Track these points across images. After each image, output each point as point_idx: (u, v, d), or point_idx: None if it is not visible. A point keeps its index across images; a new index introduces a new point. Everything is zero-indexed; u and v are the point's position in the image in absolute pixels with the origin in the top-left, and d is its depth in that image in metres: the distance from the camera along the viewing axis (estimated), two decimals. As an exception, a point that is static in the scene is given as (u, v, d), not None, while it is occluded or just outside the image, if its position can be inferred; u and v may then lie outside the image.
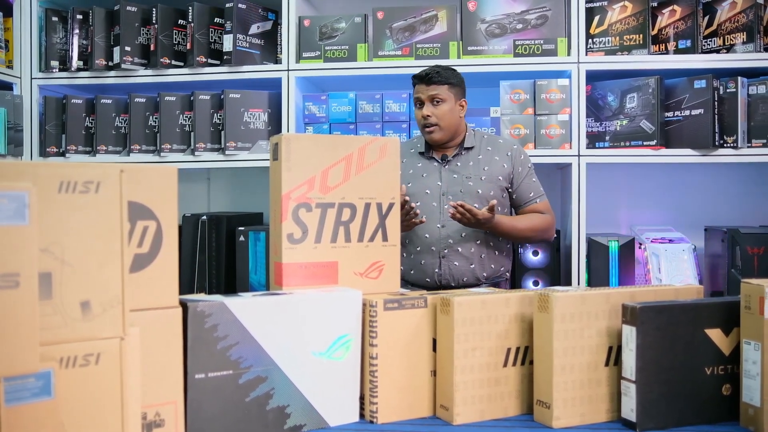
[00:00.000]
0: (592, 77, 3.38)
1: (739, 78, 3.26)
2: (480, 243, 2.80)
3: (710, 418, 1.71)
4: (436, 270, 2.79)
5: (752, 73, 3.33)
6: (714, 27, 3.38)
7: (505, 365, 1.76)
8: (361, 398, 1.75)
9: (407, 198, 2.53)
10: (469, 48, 3.35)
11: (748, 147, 3.28)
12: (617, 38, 3.38)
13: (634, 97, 3.33)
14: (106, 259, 1.22)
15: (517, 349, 1.77)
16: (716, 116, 3.26)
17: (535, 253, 3.31)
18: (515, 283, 3.32)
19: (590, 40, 3.40)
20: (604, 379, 1.73)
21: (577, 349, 1.69)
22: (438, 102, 2.78)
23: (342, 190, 1.87)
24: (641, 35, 3.36)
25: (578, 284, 3.22)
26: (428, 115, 2.78)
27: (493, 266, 2.83)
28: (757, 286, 1.65)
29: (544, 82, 3.31)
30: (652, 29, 3.40)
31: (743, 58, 3.27)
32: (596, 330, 1.71)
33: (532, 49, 3.31)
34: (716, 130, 3.26)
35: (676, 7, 3.38)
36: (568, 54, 3.30)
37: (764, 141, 3.28)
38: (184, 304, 1.51)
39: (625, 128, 3.35)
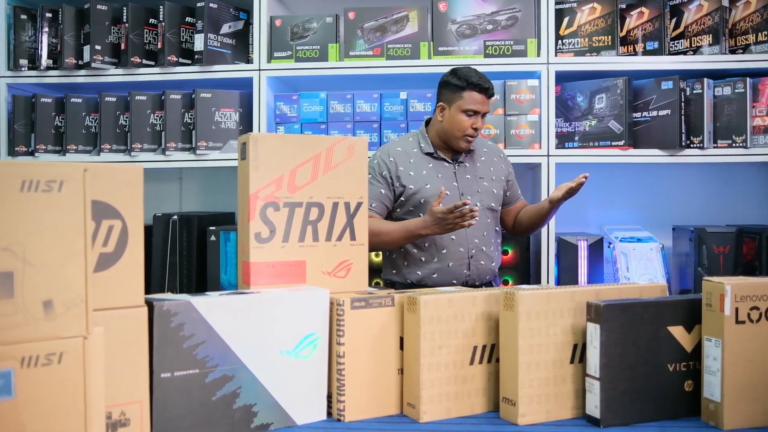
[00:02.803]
0: (562, 78, 3.41)
1: (705, 79, 3.30)
2: (494, 240, 2.85)
3: (673, 414, 1.74)
4: (465, 271, 2.76)
5: (718, 75, 3.38)
6: (681, 29, 3.42)
7: (471, 363, 1.78)
8: (329, 396, 1.76)
9: (467, 200, 2.46)
10: (440, 48, 3.37)
11: (714, 147, 3.33)
12: (586, 39, 3.41)
13: (603, 97, 3.37)
14: (69, 258, 1.21)
15: (484, 347, 1.79)
16: (683, 117, 3.30)
17: (505, 252, 3.33)
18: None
19: (560, 41, 3.43)
20: (569, 376, 1.75)
21: (542, 346, 1.71)
22: (484, 116, 2.78)
23: (310, 190, 1.88)
24: (610, 37, 3.39)
25: (548, 283, 3.25)
26: (478, 128, 2.75)
27: (499, 261, 2.90)
28: (717, 283, 1.68)
29: (514, 83, 3.33)
30: (621, 31, 3.44)
31: (709, 59, 3.31)
32: (561, 328, 1.73)
33: (502, 50, 3.33)
34: (683, 131, 3.30)
35: (644, 9, 3.42)
36: (538, 55, 3.33)
37: (729, 142, 3.32)
38: (150, 303, 1.51)
39: (594, 128, 3.38)
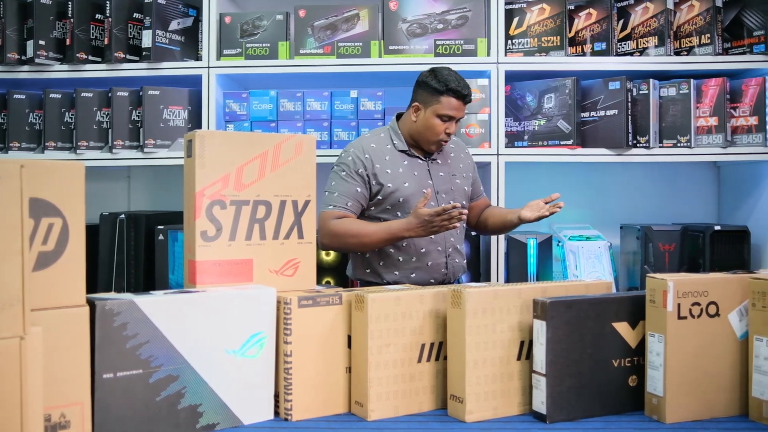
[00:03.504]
0: (512, 77, 3.44)
1: (651, 80, 3.36)
2: (463, 237, 2.85)
3: (617, 409, 1.77)
4: (443, 270, 2.73)
5: (663, 76, 3.44)
6: (628, 31, 3.47)
7: (419, 361, 1.78)
8: (276, 396, 1.75)
9: (456, 204, 2.42)
10: (391, 47, 3.37)
11: (660, 147, 3.39)
12: (535, 40, 3.44)
13: (552, 97, 3.40)
14: (5, 257, 1.18)
15: (432, 344, 1.79)
16: (630, 117, 3.35)
17: (456, 251, 3.34)
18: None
19: (509, 41, 3.46)
20: (516, 372, 1.76)
21: (489, 343, 1.72)
22: (458, 121, 2.73)
23: (257, 188, 1.86)
24: (559, 37, 3.43)
25: (497, 281, 3.27)
26: (451, 133, 2.71)
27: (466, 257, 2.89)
28: (660, 280, 1.70)
29: (464, 82, 3.35)
30: (569, 31, 3.47)
31: (655, 61, 3.37)
32: (508, 325, 1.75)
33: (452, 49, 3.35)
34: (630, 131, 3.35)
35: (592, 10, 3.46)
36: (488, 54, 3.35)
37: (674, 142, 3.38)
38: (92, 303, 1.48)
39: (543, 128, 3.41)
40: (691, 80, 3.37)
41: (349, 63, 3.36)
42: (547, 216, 2.61)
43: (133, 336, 1.52)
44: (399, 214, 2.66)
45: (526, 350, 1.77)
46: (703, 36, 3.37)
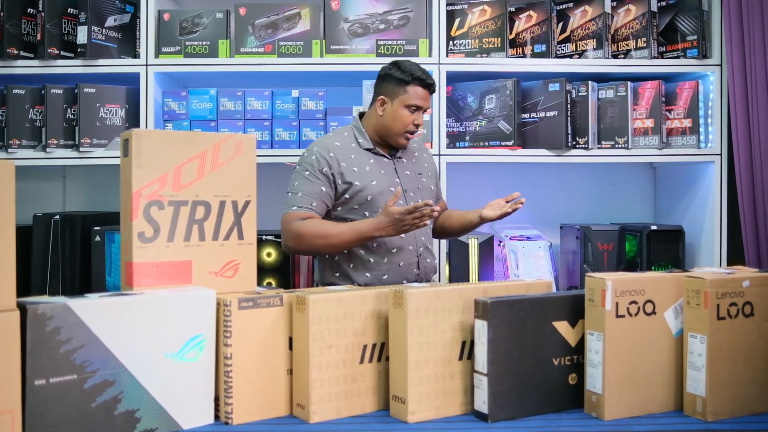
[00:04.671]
0: (453, 78, 3.46)
1: (590, 82, 3.41)
2: (431, 237, 2.84)
3: (558, 407, 1.78)
4: (415, 270, 2.70)
5: (602, 78, 3.49)
6: (567, 33, 3.52)
7: (361, 362, 1.77)
8: (216, 399, 1.72)
9: (428, 201, 2.38)
10: (332, 47, 3.35)
11: (599, 148, 3.44)
12: (477, 41, 3.47)
13: (493, 98, 3.43)
14: (-70, 260, 1.14)
15: (374, 345, 1.79)
16: (569, 118, 3.39)
17: (398, 251, 3.34)
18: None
19: (451, 42, 3.47)
20: (458, 372, 1.76)
21: (431, 344, 1.72)
22: (424, 111, 2.72)
23: (196, 188, 1.83)
24: (499, 39, 3.45)
25: (440, 281, 3.28)
26: (419, 125, 2.69)
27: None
28: (599, 279, 1.73)
29: (406, 82, 3.34)
30: (510, 33, 3.50)
31: (593, 63, 3.42)
32: (450, 325, 1.75)
33: (394, 50, 3.35)
34: (569, 132, 3.39)
35: (532, 12, 3.49)
36: (430, 55, 3.36)
37: (612, 143, 3.44)
38: (22, 307, 1.44)
39: (484, 129, 3.44)
40: (629, 83, 3.43)
41: (290, 62, 3.33)
42: (510, 213, 2.62)
43: (67, 341, 1.47)
44: (367, 213, 2.62)
45: (467, 350, 1.77)
46: (639, 40, 3.43)
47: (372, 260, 2.65)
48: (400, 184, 2.70)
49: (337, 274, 2.68)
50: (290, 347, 1.77)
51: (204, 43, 3.35)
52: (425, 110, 2.71)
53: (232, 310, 1.69)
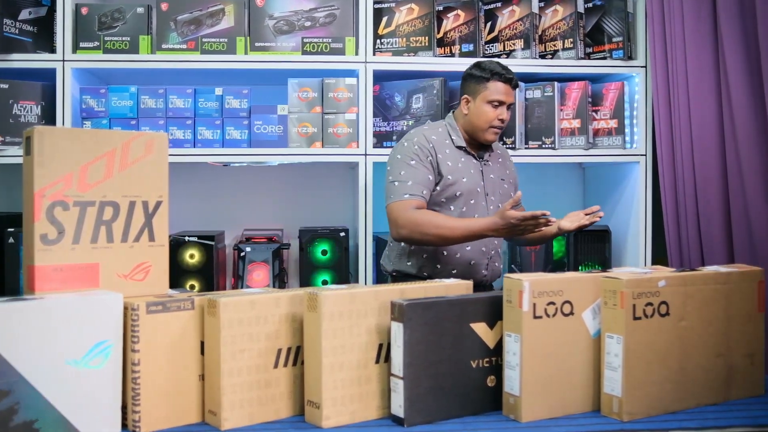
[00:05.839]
0: (380, 77, 3.43)
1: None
2: (503, 242, 2.88)
3: (476, 409, 1.76)
4: (483, 271, 2.74)
5: (529, 79, 3.50)
6: (495, 33, 3.52)
7: (276, 366, 1.73)
8: (124, 407, 1.65)
9: (546, 212, 2.39)
10: (257, 44, 3.29)
11: (526, 148, 3.45)
12: (404, 39, 3.44)
13: (420, 97, 3.41)
14: None
15: (289, 349, 1.74)
16: (496, 118, 3.39)
17: (324, 252, 3.30)
18: (305, 282, 3.29)
19: (378, 41, 3.44)
20: (375, 376, 1.73)
21: (346, 347, 1.68)
22: (509, 107, 2.78)
23: (103, 188, 1.75)
24: (427, 38, 3.44)
25: (366, 282, 3.25)
26: (504, 120, 2.74)
27: None
28: (516, 280, 1.71)
29: (332, 81, 3.30)
30: (438, 32, 3.49)
31: (521, 63, 3.42)
32: (366, 328, 1.71)
33: (320, 47, 3.30)
34: (497, 132, 3.39)
35: (460, 12, 3.49)
36: (356, 53, 3.32)
37: (540, 143, 3.45)
38: None
39: (412, 128, 3.40)
40: (556, 83, 3.45)
41: (213, 59, 3.26)
42: (586, 225, 2.66)
43: (-42, 349, 1.39)
44: (452, 207, 2.69)
45: (384, 353, 1.74)
46: (566, 40, 3.45)
47: (446, 253, 2.70)
48: (483, 187, 2.76)
49: (410, 263, 2.75)
50: (203, 352, 1.72)
51: (124, 38, 3.25)
52: (509, 106, 2.77)
53: (139, 314, 1.63)
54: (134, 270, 1.80)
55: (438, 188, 2.69)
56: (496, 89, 2.73)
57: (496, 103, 2.73)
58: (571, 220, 2.70)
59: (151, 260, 1.82)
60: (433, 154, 2.69)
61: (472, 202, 2.71)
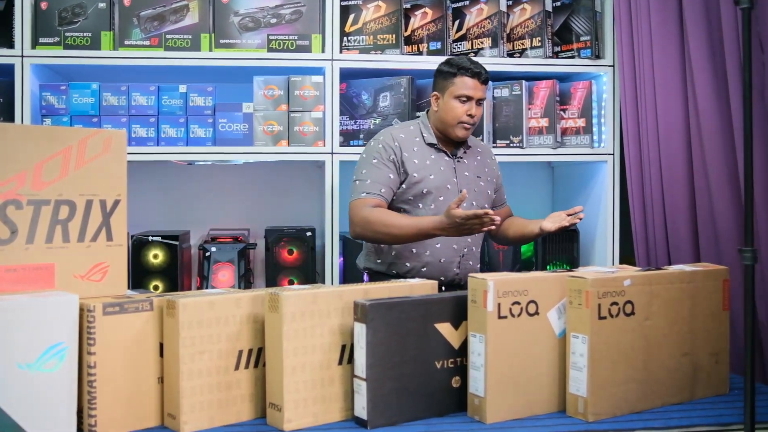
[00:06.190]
0: (347, 75, 3.39)
1: (486, 81, 3.40)
2: (480, 242, 2.84)
3: (440, 411, 1.75)
4: (455, 269, 2.71)
5: (497, 77, 3.48)
6: (463, 31, 3.50)
7: (237, 368, 1.69)
8: (80, 411, 1.61)
9: (488, 209, 2.36)
10: (222, 41, 3.24)
11: (494, 147, 3.43)
12: (371, 37, 3.41)
13: (387, 96, 3.38)
14: None
15: (250, 351, 1.71)
16: (464, 117, 3.37)
17: (290, 252, 3.26)
18: (271, 282, 3.26)
19: (345, 38, 3.41)
20: (338, 377, 1.71)
21: (308, 348, 1.65)
22: (480, 103, 2.74)
23: (59, 186, 1.71)
24: (394, 35, 3.41)
25: (332, 283, 3.22)
26: (474, 115, 2.71)
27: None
28: (481, 280, 1.69)
29: (298, 79, 3.26)
30: (405, 30, 3.46)
31: (489, 62, 3.39)
32: (329, 328, 1.69)
33: (286, 45, 3.26)
34: (464, 130, 3.37)
35: (427, 9, 3.46)
36: (323, 51, 3.28)
37: (508, 142, 3.44)
38: None
39: (379, 127, 3.37)
40: (524, 82, 3.44)
41: (177, 56, 3.20)
42: (567, 226, 2.63)
43: None
44: (420, 205, 2.67)
45: (347, 354, 1.71)
46: (534, 39, 3.45)
47: (415, 251, 2.68)
48: (456, 184, 2.73)
49: (379, 261, 2.74)
50: (161, 354, 1.68)
51: (85, 34, 3.18)
52: (480, 101, 2.74)
53: (96, 315, 1.59)
54: (91, 270, 1.75)
55: (404, 186, 2.68)
56: (464, 84, 2.71)
57: (464, 98, 2.71)
58: (553, 221, 2.67)
59: (109, 260, 1.77)
60: (398, 152, 2.69)
61: (441, 199, 2.68)
